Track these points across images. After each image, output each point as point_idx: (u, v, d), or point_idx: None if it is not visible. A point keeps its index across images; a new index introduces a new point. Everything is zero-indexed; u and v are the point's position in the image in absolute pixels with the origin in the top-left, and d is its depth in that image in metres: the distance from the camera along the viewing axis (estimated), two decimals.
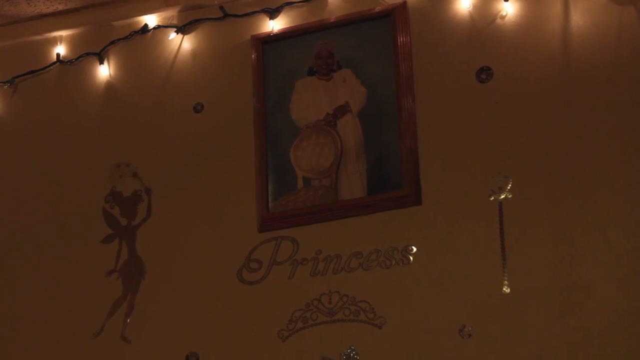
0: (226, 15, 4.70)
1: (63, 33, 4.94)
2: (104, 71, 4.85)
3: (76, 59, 4.89)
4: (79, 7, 4.89)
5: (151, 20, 4.83)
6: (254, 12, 4.65)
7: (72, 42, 4.93)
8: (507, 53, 4.22)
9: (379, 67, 4.41)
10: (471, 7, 4.32)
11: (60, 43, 4.94)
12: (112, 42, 4.85)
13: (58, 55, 4.92)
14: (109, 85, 4.84)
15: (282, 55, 4.57)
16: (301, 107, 4.50)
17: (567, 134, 4.05)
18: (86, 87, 4.86)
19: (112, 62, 4.86)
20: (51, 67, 4.92)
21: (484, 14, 4.31)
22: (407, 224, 4.19)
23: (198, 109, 4.66)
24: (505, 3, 4.27)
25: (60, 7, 4.89)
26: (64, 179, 4.79)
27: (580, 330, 3.86)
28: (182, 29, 4.75)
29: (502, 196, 4.07)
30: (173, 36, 4.76)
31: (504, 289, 3.98)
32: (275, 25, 4.61)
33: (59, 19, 4.93)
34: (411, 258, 4.16)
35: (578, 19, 4.17)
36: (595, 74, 4.07)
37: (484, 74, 4.24)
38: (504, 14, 4.28)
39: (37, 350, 4.62)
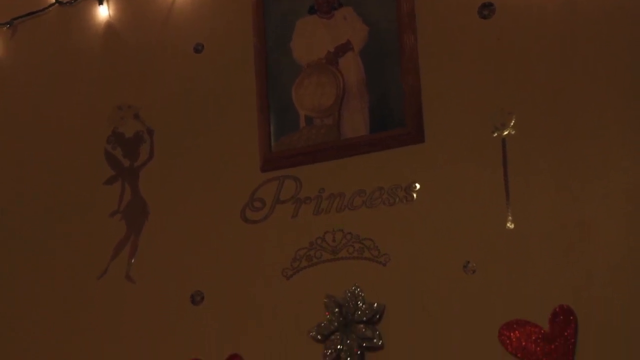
0: None
1: None
2: (103, 12, 4.81)
3: (75, 0, 4.86)
4: None
5: None
6: None
7: None
8: None
9: (380, 4, 4.37)
10: None
11: None
12: None
13: None
14: (109, 26, 4.81)
15: None
16: (302, 46, 4.48)
17: (569, 68, 4.02)
18: (86, 28, 4.83)
19: (111, 2, 4.82)
20: (50, 9, 4.88)
21: None
22: (410, 162, 4.18)
23: (198, 49, 4.63)
24: None
25: None
26: (64, 121, 4.78)
27: (583, 265, 3.85)
28: None
29: (506, 132, 4.06)
30: None
31: (508, 224, 3.98)
32: None
33: None
34: (415, 195, 4.16)
35: None
36: (598, 6, 4.03)
37: (486, 9, 4.20)
38: None
39: (41, 293, 4.64)
